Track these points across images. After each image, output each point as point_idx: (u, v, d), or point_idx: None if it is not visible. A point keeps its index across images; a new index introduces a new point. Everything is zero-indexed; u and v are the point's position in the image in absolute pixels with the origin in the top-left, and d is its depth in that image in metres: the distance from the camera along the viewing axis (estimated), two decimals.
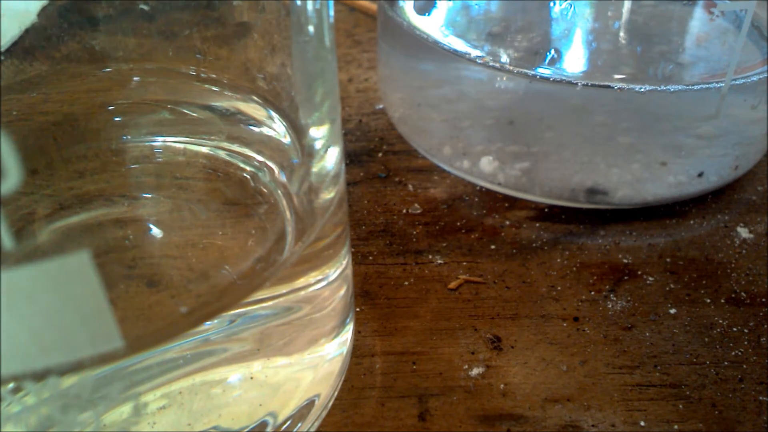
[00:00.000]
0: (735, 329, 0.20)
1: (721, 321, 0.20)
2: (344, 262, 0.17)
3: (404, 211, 0.24)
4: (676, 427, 0.17)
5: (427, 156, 0.26)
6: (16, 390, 0.11)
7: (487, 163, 0.24)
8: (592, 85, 0.21)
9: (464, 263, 0.22)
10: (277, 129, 0.18)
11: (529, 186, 0.24)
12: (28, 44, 0.18)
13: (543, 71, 0.22)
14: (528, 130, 0.23)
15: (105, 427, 0.12)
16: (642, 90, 0.21)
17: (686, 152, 0.22)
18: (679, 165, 0.23)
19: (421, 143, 0.26)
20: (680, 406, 0.18)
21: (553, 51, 0.24)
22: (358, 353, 0.19)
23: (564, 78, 0.22)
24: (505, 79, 0.22)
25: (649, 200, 0.23)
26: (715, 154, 0.23)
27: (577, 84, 0.21)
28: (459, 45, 0.24)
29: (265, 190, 0.18)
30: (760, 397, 0.18)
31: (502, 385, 0.18)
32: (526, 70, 0.22)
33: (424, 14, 0.26)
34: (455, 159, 0.25)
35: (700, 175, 0.23)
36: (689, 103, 0.22)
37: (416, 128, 0.26)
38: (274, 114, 0.18)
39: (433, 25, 0.25)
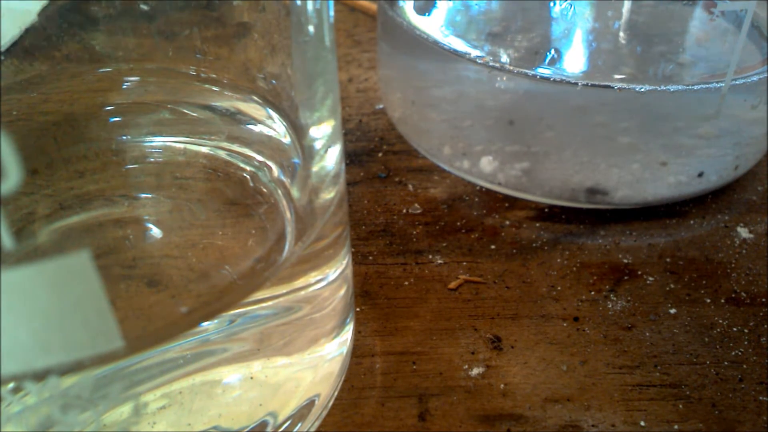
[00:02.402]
0: (735, 329, 0.20)
1: (721, 321, 0.20)
2: (344, 262, 0.17)
3: (404, 211, 0.24)
4: (676, 427, 0.17)
5: (427, 156, 0.26)
6: (16, 390, 0.11)
7: (487, 163, 0.23)
8: (592, 85, 0.21)
9: (464, 263, 0.22)
10: (277, 129, 0.18)
11: (529, 186, 0.24)
12: (28, 44, 0.18)
13: (543, 71, 0.22)
14: (528, 130, 0.23)
15: (105, 427, 0.12)
16: (642, 90, 0.21)
17: (686, 152, 0.22)
18: (679, 165, 0.23)
19: (421, 143, 0.26)
20: (680, 406, 0.18)
21: (553, 51, 0.24)
22: (358, 353, 0.19)
23: (564, 78, 0.22)
24: (505, 79, 0.22)
25: (649, 200, 0.23)
26: (715, 154, 0.23)
27: (577, 84, 0.21)
28: (459, 45, 0.24)
29: (265, 190, 0.18)
30: (760, 397, 0.18)
31: (502, 385, 0.18)
32: (526, 70, 0.22)
33: (424, 14, 0.26)
34: (455, 159, 0.25)
35: (701, 175, 0.23)
36: (689, 103, 0.22)
37: (416, 128, 0.26)
38: (274, 114, 0.18)
39: (433, 25, 0.25)
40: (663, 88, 0.21)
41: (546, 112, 0.22)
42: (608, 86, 0.21)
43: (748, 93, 0.22)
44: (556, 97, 0.22)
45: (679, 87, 0.21)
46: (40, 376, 0.10)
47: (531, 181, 0.23)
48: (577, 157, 0.22)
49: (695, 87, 0.21)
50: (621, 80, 0.22)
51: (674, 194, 0.23)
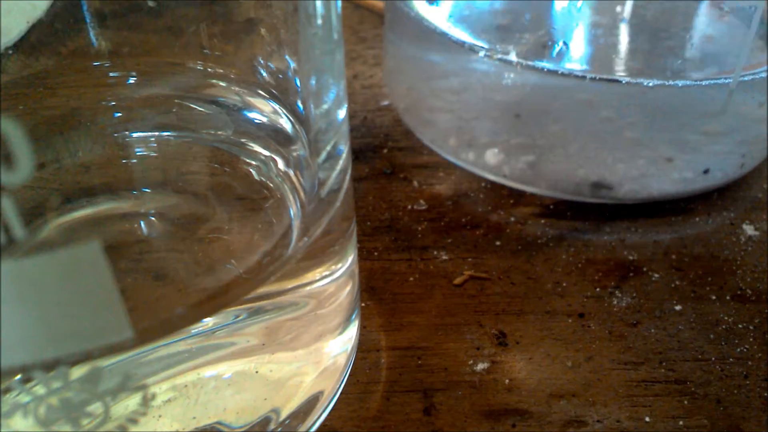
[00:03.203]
0: (740, 326, 0.20)
1: (726, 318, 0.20)
2: (350, 259, 0.17)
3: (409, 207, 0.24)
4: (681, 423, 0.17)
5: (432, 147, 0.26)
6: (25, 380, 0.11)
7: (492, 156, 0.23)
8: (600, 79, 0.21)
9: (469, 259, 0.22)
10: (283, 123, 0.18)
11: (534, 179, 0.24)
12: (34, 39, 0.18)
13: (550, 64, 0.22)
14: (534, 123, 0.23)
15: (112, 417, 0.12)
16: (650, 84, 0.21)
17: (692, 149, 0.22)
18: (685, 161, 0.23)
19: (426, 134, 0.26)
20: (685, 402, 0.18)
21: (561, 44, 0.24)
22: (363, 348, 0.19)
23: (572, 72, 0.22)
24: (512, 71, 0.22)
25: (654, 196, 0.23)
26: (722, 151, 0.23)
27: (584, 77, 0.21)
28: (467, 36, 0.24)
29: (271, 184, 0.18)
30: (765, 394, 0.18)
31: (507, 381, 0.18)
32: (534, 63, 0.22)
33: (432, 4, 0.26)
34: (460, 151, 0.25)
35: (706, 171, 0.23)
36: (697, 99, 0.22)
37: (422, 119, 0.26)
38: (280, 108, 0.18)
39: (441, 16, 0.25)
40: (671, 83, 0.21)
41: (553, 106, 0.22)
42: (616, 80, 0.21)
43: (755, 90, 0.22)
44: (563, 91, 0.22)
45: (687, 82, 0.21)
46: (49, 366, 0.10)
47: (536, 175, 0.23)
48: (582, 152, 0.22)
49: (703, 82, 0.21)
50: (629, 74, 0.22)
51: (679, 190, 0.23)
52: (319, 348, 0.16)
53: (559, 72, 0.22)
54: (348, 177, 0.16)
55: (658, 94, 0.21)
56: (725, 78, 0.21)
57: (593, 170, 0.23)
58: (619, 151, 0.22)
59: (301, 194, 0.17)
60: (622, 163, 0.22)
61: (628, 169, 0.23)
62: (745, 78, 0.21)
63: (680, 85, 0.21)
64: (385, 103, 0.30)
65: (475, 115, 0.24)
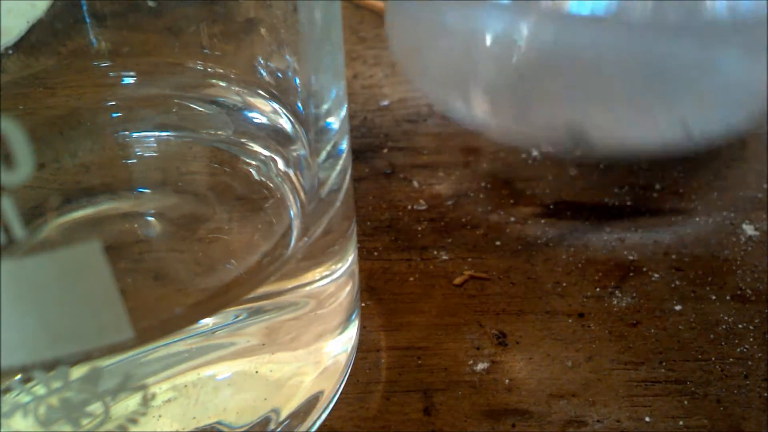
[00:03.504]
0: (740, 326, 0.20)
1: (726, 318, 0.20)
2: (350, 259, 0.17)
3: (409, 207, 0.24)
4: (681, 423, 0.17)
5: (424, 95, 0.26)
6: (25, 380, 0.11)
7: (479, 106, 0.23)
8: (588, 18, 0.20)
9: (469, 259, 0.22)
10: (283, 123, 0.18)
11: (518, 128, 0.23)
12: (35, 39, 0.18)
13: (546, 5, 0.22)
14: (527, 73, 0.22)
15: (112, 417, 0.12)
16: (637, 25, 0.20)
17: (677, 105, 0.22)
18: (668, 119, 0.22)
19: (419, 80, 0.26)
20: (685, 402, 0.18)
21: None
22: (363, 348, 0.19)
23: (564, 14, 0.21)
24: (509, 14, 0.22)
25: (633, 150, 0.23)
26: (707, 111, 0.22)
27: (575, 19, 0.21)
28: None
29: (271, 184, 0.18)
30: (765, 394, 0.18)
31: (507, 381, 0.18)
32: (531, 5, 0.21)
33: None
34: (451, 100, 0.24)
35: (689, 132, 0.23)
36: (687, 47, 0.21)
37: (418, 67, 0.26)
38: (280, 108, 0.18)
39: None
40: (658, 23, 0.20)
41: (548, 53, 0.22)
42: (603, 19, 0.20)
43: (745, 44, 0.21)
44: (558, 35, 0.21)
45: (675, 23, 0.20)
46: (49, 366, 0.10)
47: (519, 124, 0.23)
48: (569, 104, 0.22)
49: (694, 26, 0.21)
50: (628, 18, 0.21)
51: (659, 148, 0.23)
52: (319, 348, 0.16)
53: (552, 13, 0.21)
54: (348, 177, 0.16)
55: (646, 38, 0.20)
56: (713, 23, 0.20)
57: (577, 123, 0.22)
58: (605, 102, 0.22)
59: (301, 194, 0.17)
60: (605, 114, 0.22)
61: (610, 122, 0.22)
62: (736, 27, 0.21)
63: (667, 26, 0.20)
64: (385, 103, 0.30)
65: (470, 67, 0.23)
